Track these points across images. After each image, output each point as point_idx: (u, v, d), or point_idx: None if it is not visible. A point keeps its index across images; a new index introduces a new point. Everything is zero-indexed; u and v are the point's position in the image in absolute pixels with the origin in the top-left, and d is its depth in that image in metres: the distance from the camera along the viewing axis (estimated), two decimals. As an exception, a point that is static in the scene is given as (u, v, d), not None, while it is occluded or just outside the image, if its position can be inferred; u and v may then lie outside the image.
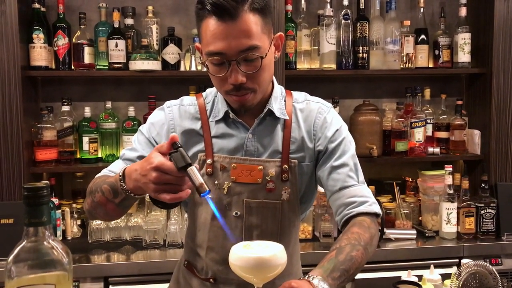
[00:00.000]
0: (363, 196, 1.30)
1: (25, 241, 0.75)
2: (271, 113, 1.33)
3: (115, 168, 1.33)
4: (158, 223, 2.38)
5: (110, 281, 2.15)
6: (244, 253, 0.98)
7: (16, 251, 0.74)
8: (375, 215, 1.30)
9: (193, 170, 1.03)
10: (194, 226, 1.38)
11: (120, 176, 1.15)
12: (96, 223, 2.41)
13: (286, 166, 1.32)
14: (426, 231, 2.51)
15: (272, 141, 1.33)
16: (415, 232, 2.46)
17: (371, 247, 1.23)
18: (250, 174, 1.31)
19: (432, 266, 1.45)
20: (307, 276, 1.07)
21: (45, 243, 0.76)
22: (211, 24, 1.16)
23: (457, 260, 2.35)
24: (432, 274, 1.43)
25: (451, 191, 2.45)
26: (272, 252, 0.99)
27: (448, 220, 2.44)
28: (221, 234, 1.33)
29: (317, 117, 1.35)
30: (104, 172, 1.34)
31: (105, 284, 2.14)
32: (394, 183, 2.60)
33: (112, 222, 2.41)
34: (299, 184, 1.35)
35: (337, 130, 1.34)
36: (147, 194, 1.15)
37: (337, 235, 2.43)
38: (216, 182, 1.31)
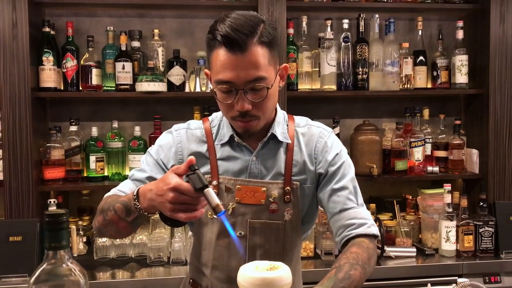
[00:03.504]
0: (362, 218, 1.36)
1: (46, 263, 0.81)
2: (274, 137, 1.39)
3: (125, 188, 1.39)
4: (163, 240, 2.42)
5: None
6: (252, 273, 1.03)
7: (37, 273, 0.80)
8: (374, 236, 1.35)
9: (210, 191, 1.10)
10: (200, 245, 1.43)
11: (134, 195, 1.21)
12: (101, 241, 2.45)
13: (288, 188, 1.37)
14: (425, 248, 2.55)
15: (275, 163, 1.39)
16: (415, 250, 2.50)
17: (369, 267, 1.28)
18: (254, 196, 1.37)
19: (429, 284, 1.49)
20: None
21: (64, 265, 0.81)
22: (221, 54, 1.22)
23: (456, 278, 2.38)
24: (430, 293, 1.47)
25: (450, 210, 2.50)
26: (279, 273, 1.04)
27: (448, 238, 2.48)
28: (226, 253, 1.38)
29: (318, 141, 1.41)
30: (114, 191, 1.40)
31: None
32: (395, 201, 2.64)
33: (117, 240, 2.46)
34: (301, 205, 1.40)
35: (337, 154, 1.40)
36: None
37: (338, 254, 2.47)
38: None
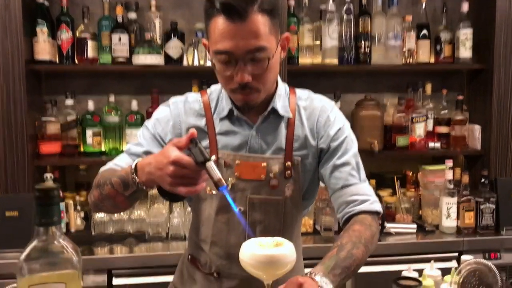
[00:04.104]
0: (364, 194, 1.32)
1: (36, 240, 0.77)
2: (274, 111, 1.35)
3: (121, 161, 1.35)
4: (161, 216, 2.40)
5: (114, 273, 2.17)
6: (258, 251, 1.00)
7: (27, 251, 0.77)
8: (376, 213, 1.32)
9: (212, 165, 1.07)
10: (198, 221, 1.40)
11: (132, 169, 1.18)
12: (99, 216, 2.43)
13: (289, 163, 1.34)
14: (426, 225, 2.53)
15: (275, 138, 1.35)
16: (415, 226, 2.48)
17: (372, 245, 1.26)
18: (254, 171, 1.33)
19: (432, 262, 1.47)
20: (309, 273, 1.09)
21: (55, 242, 0.78)
22: (220, 23, 1.17)
23: (457, 254, 2.38)
24: (432, 270, 1.45)
25: (451, 186, 2.47)
26: (284, 249, 1.01)
27: (448, 214, 2.47)
28: (225, 229, 1.35)
29: (320, 115, 1.37)
30: (110, 165, 1.36)
31: (109, 277, 2.17)
32: (395, 177, 2.62)
33: (115, 215, 2.44)
34: (302, 181, 1.37)
35: (340, 128, 1.36)
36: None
37: (338, 229, 2.46)
38: (220, 178, 1.34)
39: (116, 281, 2.17)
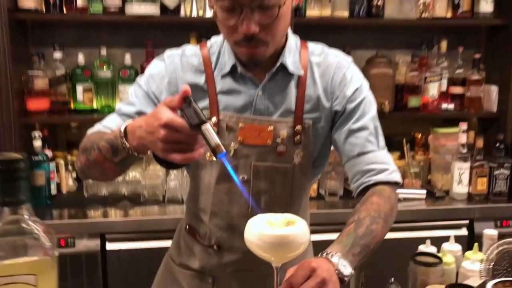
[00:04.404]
0: (383, 163, 1.18)
1: (0, 223, 0.63)
2: (284, 67, 1.18)
3: (111, 123, 1.20)
4: (157, 178, 2.27)
5: (107, 238, 2.07)
6: (264, 230, 0.86)
7: (-10, 236, 0.62)
8: (395, 184, 1.18)
9: (208, 128, 0.90)
10: (197, 189, 1.26)
11: (121, 132, 1.03)
12: (92, 177, 2.30)
13: (299, 127, 1.19)
14: (435, 191, 2.41)
15: (284, 99, 1.19)
16: (424, 191, 2.37)
17: (391, 219, 1.13)
18: (259, 135, 1.18)
19: (452, 236, 1.35)
20: (325, 253, 0.97)
21: (23, 225, 0.63)
22: None
23: (468, 222, 2.28)
24: (452, 245, 1.33)
25: (464, 150, 2.34)
26: (295, 230, 0.87)
27: (460, 180, 2.34)
28: (226, 199, 1.22)
29: (335, 72, 1.21)
30: (98, 127, 1.21)
31: (102, 241, 2.06)
32: (404, 140, 2.48)
33: (109, 176, 2.31)
34: (313, 147, 1.22)
35: (357, 88, 1.21)
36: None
37: (343, 194, 2.34)
38: (221, 143, 1.19)
39: (109, 246, 2.06)
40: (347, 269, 0.95)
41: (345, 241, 1.01)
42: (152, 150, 0.99)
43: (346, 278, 0.95)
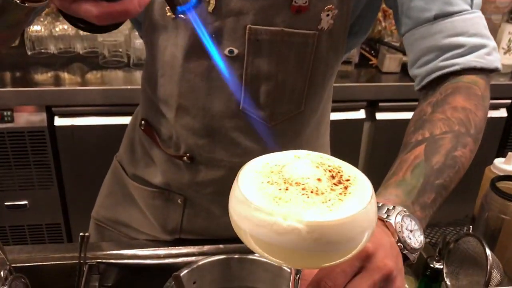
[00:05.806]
0: (477, 35, 0.68)
1: None
2: None
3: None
4: (120, 34, 1.74)
5: (55, 112, 1.60)
6: (306, 215, 0.35)
7: None
8: (492, 72, 0.69)
9: None
10: (155, 66, 0.78)
11: None
12: (35, 29, 1.76)
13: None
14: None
15: None
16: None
17: (481, 134, 0.66)
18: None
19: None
20: (378, 210, 0.51)
21: None
22: None
23: (509, 101, 1.84)
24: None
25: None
26: (365, 206, 0.37)
27: (509, 49, 1.85)
28: (203, 87, 0.74)
29: None
30: None
31: (49, 116, 1.60)
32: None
33: (58, 29, 1.77)
34: (355, 2, 0.70)
35: None
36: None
37: (358, 62, 1.84)
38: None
39: (58, 121, 1.61)
40: (417, 238, 0.51)
41: (410, 181, 0.56)
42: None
43: (414, 255, 0.51)
